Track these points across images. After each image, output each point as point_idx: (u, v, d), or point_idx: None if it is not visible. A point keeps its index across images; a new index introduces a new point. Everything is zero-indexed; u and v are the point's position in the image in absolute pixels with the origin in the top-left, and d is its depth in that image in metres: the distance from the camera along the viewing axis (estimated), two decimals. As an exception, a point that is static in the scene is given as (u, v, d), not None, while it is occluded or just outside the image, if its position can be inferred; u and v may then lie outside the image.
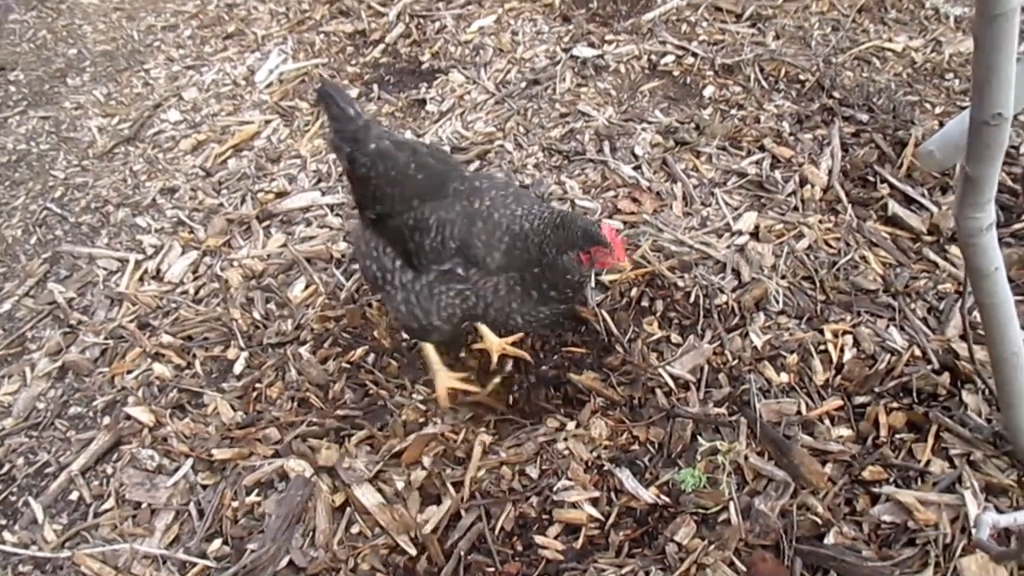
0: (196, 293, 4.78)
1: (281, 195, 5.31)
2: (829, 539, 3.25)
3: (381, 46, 6.64)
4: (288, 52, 6.77)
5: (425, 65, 6.33)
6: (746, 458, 3.52)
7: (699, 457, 3.54)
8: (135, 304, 4.75)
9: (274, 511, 3.59)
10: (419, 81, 6.17)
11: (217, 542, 3.60)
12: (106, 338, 4.58)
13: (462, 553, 3.39)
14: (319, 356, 4.25)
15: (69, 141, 6.28)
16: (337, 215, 5.08)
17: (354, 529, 3.55)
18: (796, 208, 4.64)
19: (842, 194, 4.71)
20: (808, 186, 4.72)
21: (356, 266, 4.50)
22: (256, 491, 3.74)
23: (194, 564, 3.53)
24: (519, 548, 3.42)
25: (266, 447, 3.90)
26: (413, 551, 3.43)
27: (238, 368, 4.30)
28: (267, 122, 6.07)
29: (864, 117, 5.26)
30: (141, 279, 4.95)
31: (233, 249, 5.00)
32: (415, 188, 3.57)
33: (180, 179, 5.65)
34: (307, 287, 4.63)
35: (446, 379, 3.97)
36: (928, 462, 3.50)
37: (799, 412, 3.71)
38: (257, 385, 4.20)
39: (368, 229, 3.80)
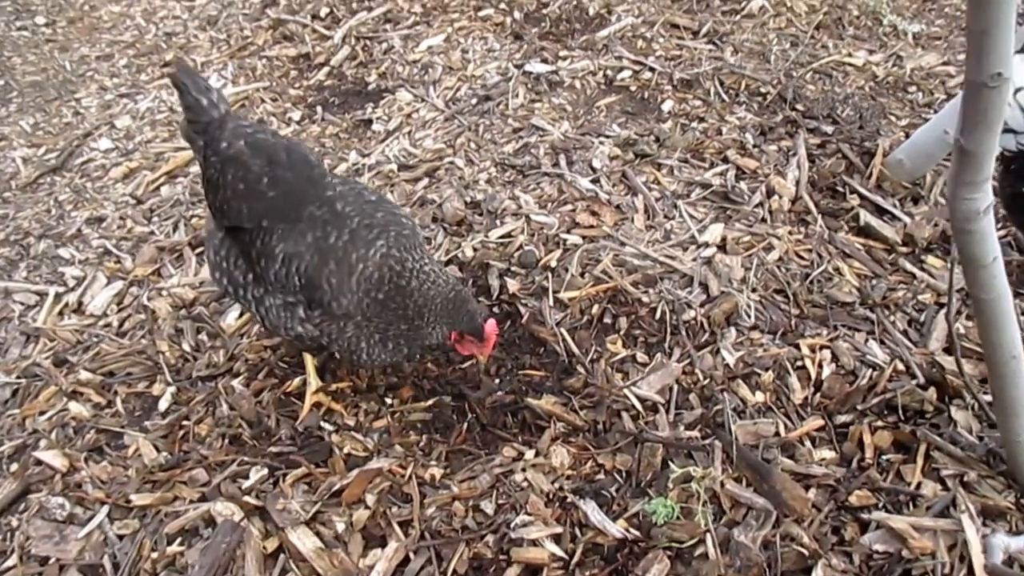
0: (120, 326, 4.38)
1: (216, 220, 4.94)
2: (817, 573, 2.93)
3: (326, 69, 6.36)
4: (228, 77, 6.46)
5: (372, 86, 6.05)
6: (722, 485, 3.19)
7: (671, 485, 3.21)
8: (53, 340, 4.34)
9: (197, 561, 3.18)
10: (365, 102, 5.88)
11: (132, 602, 3.18)
12: (18, 377, 4.15)
13: (410, 602, 3.01)
14: (252, 388, 3.87)
15: (-10, 172, 5.87)
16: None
17: (288, 579, 3.15)
18: (764, 220, 4.39)
19: (811, 205, 4.48)
20: (775, 197, 4.48)
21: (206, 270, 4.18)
22: (179, 540, 3.32)
23: (105, 627, 3.11)
24: (474, 594, 3.05)
25: (192, 490, 3.49)
26: (355, 602, 3.04)
27: (163, 405, 3.90)
28: (204, 147, 5.71)
29: (829, 128, 5.06)
30: (61, 313, 4.54)
31: (163, 278, 4.62)
32: (265, 206, 3.29)
33: (109, 208, 5.28)
34: (241, 315, 4.25)
35: (313, 395, 3.76)
36: (919, 484, 3.21)
37: (777, 433, 3.41)
38: (184, 423, 3.80)
39: (221, 234, 3.50)
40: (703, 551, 3.02)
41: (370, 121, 5.65)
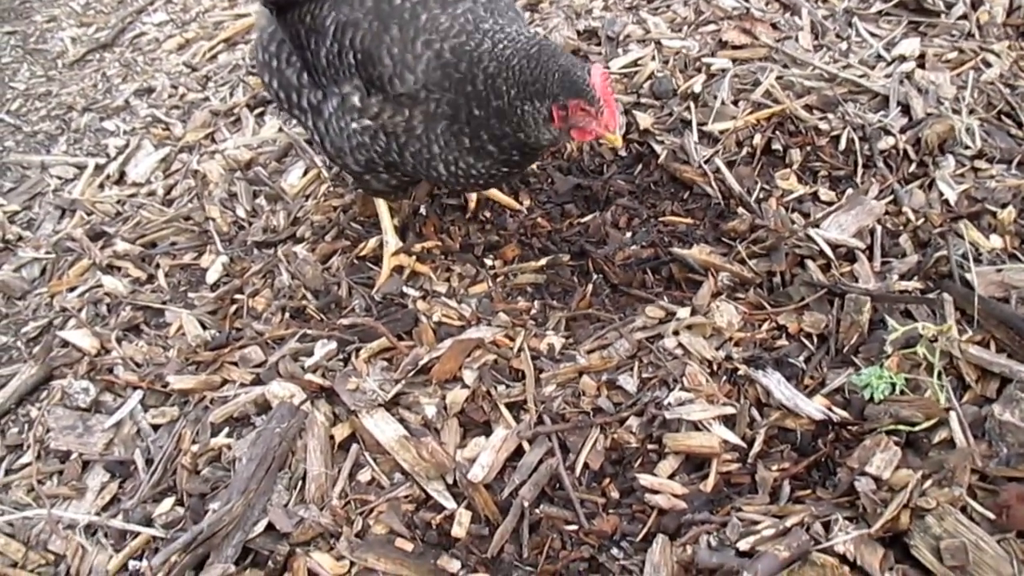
0: (167, 194, 3.67)
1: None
2: None
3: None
4: (295, -57, 5.65)
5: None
6: (962, 350, 2.24)
7: (888, 350, 2.28)
8: (90, 213, 3.65)
9: (246, 453, 2.42)
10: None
11: (168, 502, 2.47)
12: (48, 252, 3.47)
13: (525, 505, 2.18)
14: (319, 253, 3.09)
15: (36, 53, 5.23)
16: (347, 92, 3.92)
17: (363, 476, 2.37)
18: (971, 35, 3.34)
19: (1034, 16, 3.41)
20: (984, 8, 3.41)
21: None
22: (226, 430, 2.58)
23: (135, 534, 2.40)
24: (614, 495, 2.20)
25: (244, 371, 2.74)
26: (451, 505, 2.23)
27: (213, 276, 3.16)
28: (268, 12, 4.95)
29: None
30: (101, 185, 3.84)
31: (216, 143, 3.87)
32: None
33: (160, 79, 4.56)
34: (306, 173, 3.48)
35: (393, 256, 2.93)
36: None
37: (1032, 284, 2.43)
38: (237, 296, 3.05)
39: (273, 26, 2.73)
40: (946, 436, 2.10)
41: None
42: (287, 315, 2.93)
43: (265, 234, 3.26)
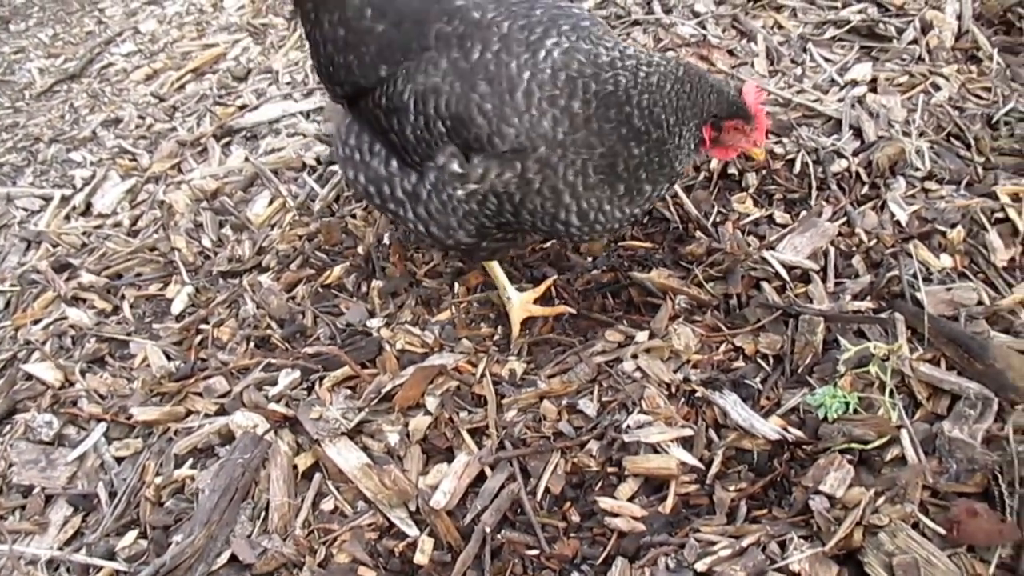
0: (132, 225, 3.66)
1: (247, 109, 4.18)
2: (1075, 478, 2.03)
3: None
4: (264, -27, 5.69)
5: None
6: (912, 368, 2.29)
7: (841, 370, 2.32)
8: (56, 245, 3.64)
9: (209, 485, 2.42)
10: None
11: (132, 535, 2.47)
12: (12, 285, 3.46)
13: (487, 531, 2.20)
14: (284, 282, 3.09)
15: (3, 84, 5.24)
16: (313, 121, 3.94)
17: (326, 505, 2.39)
18: (921, 59, 3.42)
19: (983, 40, 3.49)
20: (933, 32, 3.50)
21: (339, 172, 3.36)
22: (190, 462, 2.59)
23: (98, 568, 2.40)
24: (575, 519, 2.23)
25: (208, 401, 2.75)
26: (414, 532, 2.25)
27: (178, 307, 3.16)
28: (235, 42, 4.98)
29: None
30: (67, 217, 3.84)
31: (182, 173, 3.88)
32: (378, 46, 2.39)
33: (128, 109, 4.56)
34: (271, 202, 3.49)
35: (522, 306, 2.74)
36: None
37: (981, 303, 2.48)
38: (202, 326, 3.05)
39: (349, 118, 2.61)
40: (898, 453, 2.14)
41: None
42: (252, 345, 2.93)
43: (230, 264, 3.26)
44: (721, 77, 2.33)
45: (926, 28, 3.54)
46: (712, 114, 2.24)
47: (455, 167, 2.29)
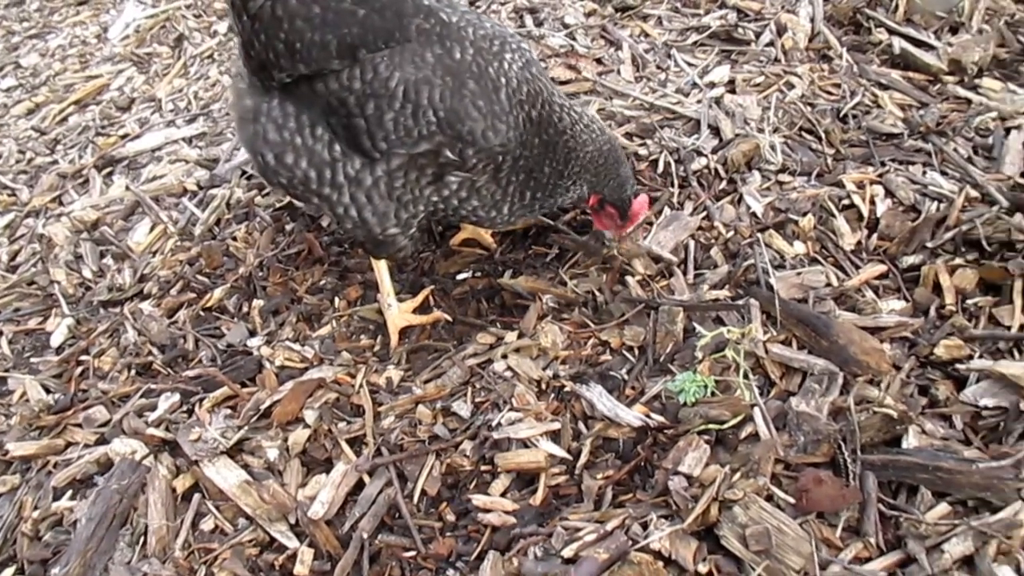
0: (11, 260, 3.60)
1: (129, 138, 4.15)
2: (909, 441, 2.17)
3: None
4: (147, 2, 5.65)
5: None
6: (766, 349, 2.41)
7: (699, 356, 2.43)
8: (-72, 287, 3.54)
9: (86, 514, 2.40)
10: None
11: (8, 572, 2.41)
12: None
13: (365, 537, 2.24)
14: (165, 308, 3.09)
15: None
16: (195, 147, 3.94)
17: (206, 525, 2.39)
18: (777, 60, 3.60)
19: (833, 40, 3.69)
20: (788, 35, 3.69)
21: (250, 168, 3.35)
22: (69, 493, 2.56)
23: (-27, 609, 2.34)
24: (451, 518, 2.28)
25: (88, 432, 2.72)
26: (294, 544, 2.27)
27: (58, 339, 3.13)
28: (119, 72, 4.94)
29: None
30: (-59, 258, 3.74)
31: (63, 205, 3.83)
32: (356, 29, 2.37)
33: (7, 144, 4.48)
34: (152, 229, 3.47)
35: (400, 316, 2.82)
36: (1022, 327, 2.44)
37: (829, 284, 2.63)
38: (83, 357, 3.03)
39: (276, 101, 2.52)
40: (751, 431, 2.25)
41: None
42: (133, 372, 2.92)
43: (111, 293, 3.24)
44: (630, 173, 2.68)
45: (781, 31, 3.72)
46: (603, 192, 2.64)
47: (448, 153, 2.44)
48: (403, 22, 2.40)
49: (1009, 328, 2.45)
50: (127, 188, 3.74)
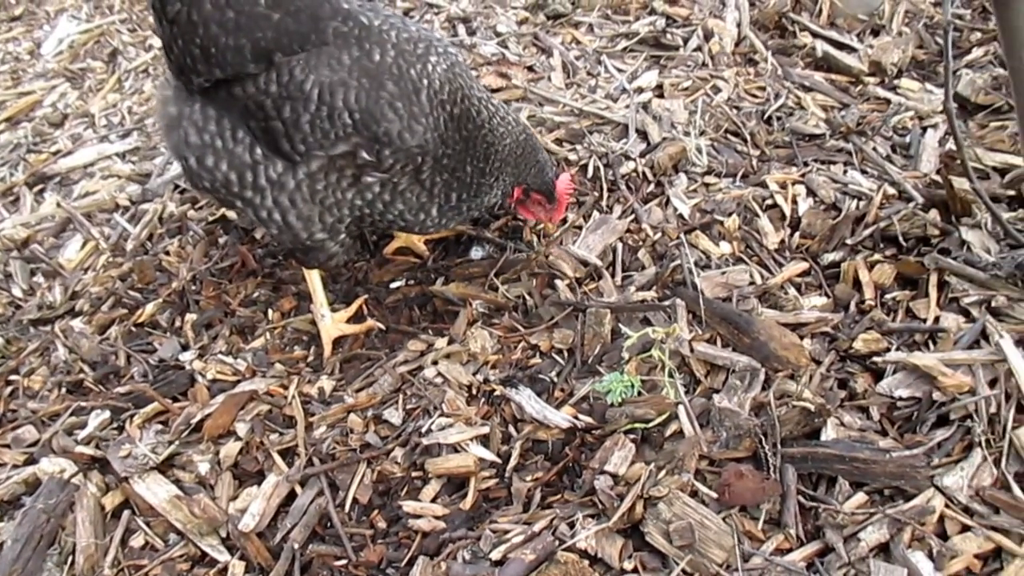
0: (-63, 284, 3.52)
1: (61, 154, 4.10)
2: (828, 433, 2.23)
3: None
4: (81, 17, 5.58)
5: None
6: (691, 348, 2.46)
7: (626, 356, 2.47)
8: None
9: (12, 535, 2.37)
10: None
11: (-66, 598, 2.36)
12: None
13: (296, 547, 2.24)
14: (96, 324, 3.05)
15: None
16: (128, 162, 3.90)
17: (136, 541, 2.36)
18: (705, 64, 3.67)
19: (758, 44, 3.77)
20: (715, 40, 3.77)
21: (174, 168, 3.31)
22: (-4, 516, 2.51)
23: None
24: (382, 525, 2.29)
25: (16, 452, 2.68)
26: (225, 557, 2.26)
27: (-14, 361, 3.07)
28: (52, 88, 4.86)
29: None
30: None
31: (-7, 225, 3.76)
32: (273, 32, 2.37)
33: (-66, 166, 4.38)
34: (84, 245, 3.43)
35: (334, 326, 2.82)
36: (937, 319, 2.53)
37: (753, 282, 2.69)
38: (12, 377, 2.97)
39: (198, 105, 2.53)
40: (676, 428, 2.30)
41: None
42: (64, 390, 2.88)
43: (41, 311, 3.19)
44: (548, 158, 2.76)
45: (708, 36, 3.80)
46: (526, 181, 2.72)
47: (364, 155, 2.44)
48: (319, 25, 2.41)
49: (924, 321, 2.53)
50: (58, 205, 3.69)
